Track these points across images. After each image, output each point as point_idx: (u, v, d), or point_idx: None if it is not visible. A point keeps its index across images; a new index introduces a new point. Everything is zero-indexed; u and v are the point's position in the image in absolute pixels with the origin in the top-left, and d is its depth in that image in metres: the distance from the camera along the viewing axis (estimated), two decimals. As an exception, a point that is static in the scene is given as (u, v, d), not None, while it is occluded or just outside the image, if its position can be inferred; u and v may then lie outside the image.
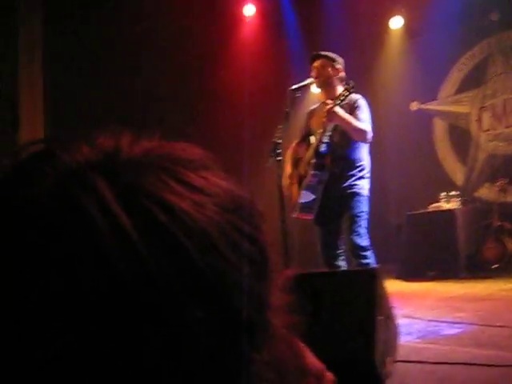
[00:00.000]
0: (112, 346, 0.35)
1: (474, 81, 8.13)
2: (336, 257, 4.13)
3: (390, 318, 2.80)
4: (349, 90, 3.95)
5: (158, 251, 0.36)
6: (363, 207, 4.09)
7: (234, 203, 0.42)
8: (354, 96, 4.12)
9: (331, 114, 3.88)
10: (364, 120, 4.04)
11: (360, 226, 4.02)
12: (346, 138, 4.07)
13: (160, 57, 7.34)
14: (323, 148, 4.11)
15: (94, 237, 0.36)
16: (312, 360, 0.60)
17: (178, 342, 0.37)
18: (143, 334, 0.36)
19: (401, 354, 2.86)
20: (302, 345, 0.59)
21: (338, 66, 4.27)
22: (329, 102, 3.97)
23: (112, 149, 0.42)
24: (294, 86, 4.26)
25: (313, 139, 4.16)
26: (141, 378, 0.36)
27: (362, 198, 4.10)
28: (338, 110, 3.90)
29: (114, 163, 0.40)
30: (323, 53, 4.29)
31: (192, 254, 0.37)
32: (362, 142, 4.10)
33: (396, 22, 8.48)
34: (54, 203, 0.38)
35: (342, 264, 4.15)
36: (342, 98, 3.94)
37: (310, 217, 4.20)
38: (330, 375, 0.63)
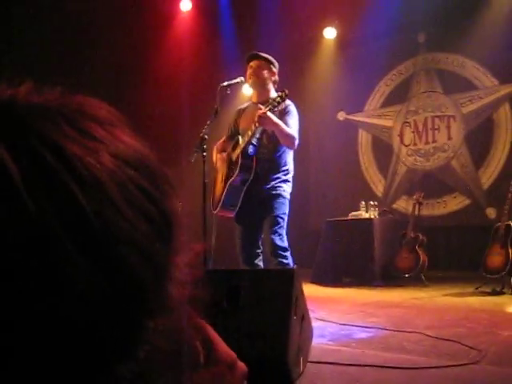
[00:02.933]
0: None
1: (399, 96, 8.43)
2: (255, 256, 4.14)
3: (304, 318, 2.80)
4: (282, 97, 3.93)
5: (40, 194, 0.34)
6: (285, 209, 4.12)
7: (137, 160, 0.40)
8: (286, 101, 4.12)
9: (263, 118, 3.86)
10: (292, 126, 4.07)
11: (281, 227, 4.05)
12: (273, 141, 4.08)
13: (94, 47, 7.10)
14: (251, 150, 4.10)
15: None
16: (224, 349, 0.59)
17: (61, 294, 0.33)
18: (20, 283, 0.33)
19: (313, 354, 2.88)
20: (214, 333, 0.58)
21: (274, 70, 4.27)
22: (261, 106, 3.94)
23: (7, 96, 0.39)
24: (225, 83, 4.23)
25: (241, 140, 4.13)
26: (15, 328, 0.33)
27: (284, 200, 4.13)
28: (269, 114, 3.89)
29: (7, 106, 0.38)
30: (262, 54, 4.28)
31: (79, 200, 0.34)
32: (289, 147, 4.13)
33: (329, 33, 8.64)
34: None
35: (260, 264, 4.16)
36: (275, 104, 3.92)
37: (230, 215, 4.19)
38: (242, 365, 0.62)
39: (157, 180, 0.40)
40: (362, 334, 3.63)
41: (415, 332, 3.55)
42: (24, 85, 0.41)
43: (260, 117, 3.85)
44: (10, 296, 0.33)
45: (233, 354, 0.61)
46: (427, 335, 3.45)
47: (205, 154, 4.00)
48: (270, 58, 4.28)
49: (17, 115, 0.37)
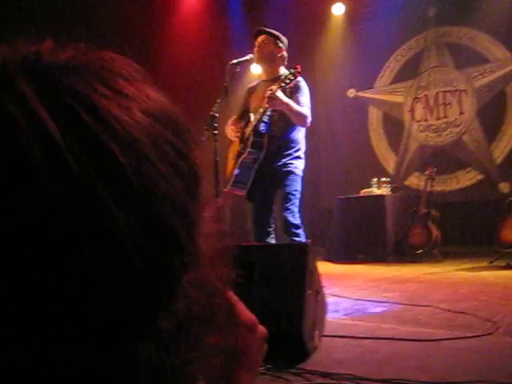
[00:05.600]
0: (35, 249, 0.33)
1: (409, 72, 8.33)
2: (266, 234, 4.14)
3: (319, 293, 2.81)
4: (294, 74, 3.89)
5: (81, 152, 0.34)
6: (297, 186, 4.11)
7: (165, 115, 0.40)
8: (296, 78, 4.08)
9: (273, 99, 3.84)
10: (304, 104, 4.03)
11: (293, 204, 4.04)
12: (284, 119, 4.06)
13: (99, 29, 7.05)
14: (262, 127, 4.08)
15: (11, 134, 0.33)
16: (245, 312, 0.60)
17: (103, 248, 0.34)
18: (66, 238, 0.33)
19: (328, 329, 2.89)
20: (234, 296, 0.59)
21: (281, 45, 4.23)
22: (273, 87, 3.90)
23: (33, 52, 0.39)
24: (233, 61, 4.19)
25: (252, 117, 4.11)
26: (68, 286, 0.34)
27: (296, 177, 4.12)
28: (279, 94, 3.86)
29: (35, 63, 0.37)
30: (268, 29, 4.24)
31: (119, 158, 0.35)
32: (301, 125, 4.10)
33: (338, 9, 8.53)
34: None
35: (272, 242, 4.16)
36: (286, 82, 3.88)
37: (241, 193, 4.18)
38: (262, 328, 0.64)
39: (183, 135, 0.41)
40: (377, 309, 3.64)
41: (429, 306, 3.55)
42: (46, 41, 0.40)
43: (269, 97, 3.83)
44: (60, 251, 0.33)
45: (253, 318, 0.62)
46: (442, 309, 3.46)
47: (216, 131, 3.99)
48: (276, 33, 4.23)
49: (47, 73, 0.37)
